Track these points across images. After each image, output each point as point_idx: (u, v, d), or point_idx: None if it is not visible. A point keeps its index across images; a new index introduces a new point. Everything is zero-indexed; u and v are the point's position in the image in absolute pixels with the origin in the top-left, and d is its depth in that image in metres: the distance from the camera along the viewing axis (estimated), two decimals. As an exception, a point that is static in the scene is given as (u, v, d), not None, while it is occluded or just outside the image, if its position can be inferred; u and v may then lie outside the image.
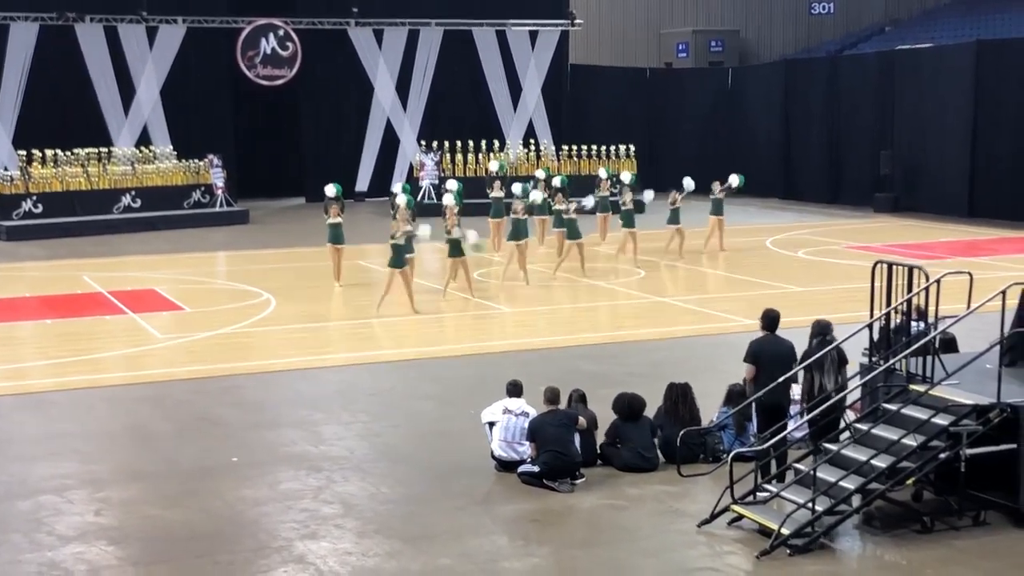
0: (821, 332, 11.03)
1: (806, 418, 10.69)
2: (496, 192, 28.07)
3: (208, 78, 39.46)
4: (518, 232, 23.01)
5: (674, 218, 26.10)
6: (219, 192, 35.19)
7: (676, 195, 26.28)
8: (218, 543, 9.85)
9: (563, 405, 11.66)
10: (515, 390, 11.79)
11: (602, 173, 29.94)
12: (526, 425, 11.35)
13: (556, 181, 27.94)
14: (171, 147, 36.48)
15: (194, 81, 39.11)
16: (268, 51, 39.89)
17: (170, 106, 38.45)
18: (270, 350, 17.43)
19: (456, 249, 21.14)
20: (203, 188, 35.07)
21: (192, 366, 16.30)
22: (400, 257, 20.05)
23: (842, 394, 10.72)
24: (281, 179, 42.50)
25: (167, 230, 32.94)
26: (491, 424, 11.70)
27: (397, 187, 27.32)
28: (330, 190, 23.88)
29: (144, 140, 37.36)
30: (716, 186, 27.39)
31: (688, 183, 27.27)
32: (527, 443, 11.30)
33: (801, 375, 11.07)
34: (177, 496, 10.95)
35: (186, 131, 38.10)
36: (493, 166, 31.34)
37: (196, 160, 35.26)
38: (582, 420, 11.47)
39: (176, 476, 11.55)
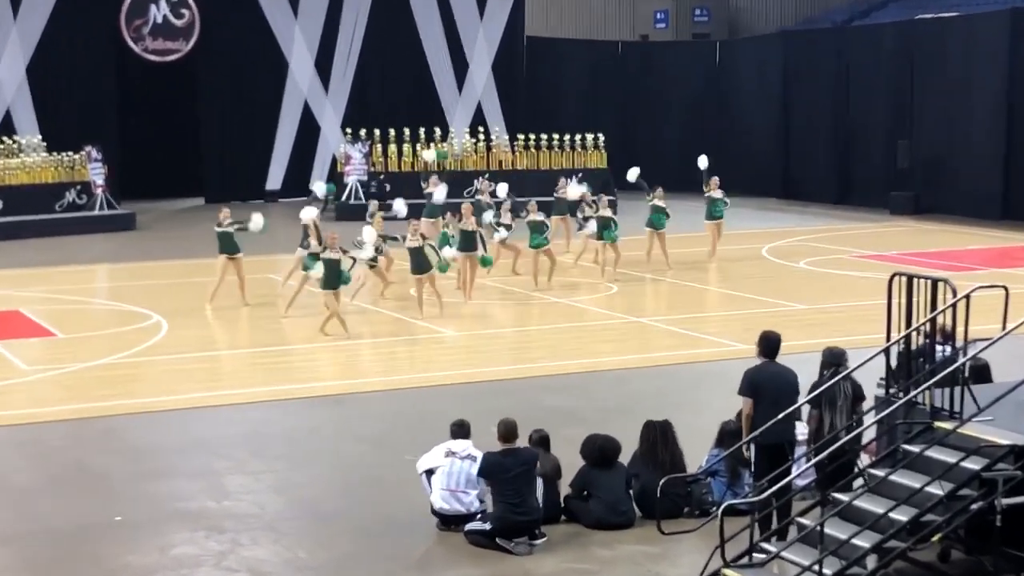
0: (834, 362, 11.07)
1: (812, 462, 10.75)
2: (433, 187, 27.99)
3: (85, 53, 39.15)
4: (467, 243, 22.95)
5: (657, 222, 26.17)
6: (99, 192, 34.93)
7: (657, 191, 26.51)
8: (98, 621, 9.77)
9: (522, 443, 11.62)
10: (461, 431, 11.75)
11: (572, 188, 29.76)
12: (473, 471, 11.33)
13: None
14: (39, 137, 36.18)
15: (68, 57, 38.80)
16: (159, 20, 39.69)
17: (39, 87, 38.14)
18: (161, 384, 17.31)
19: (421, 264, 21.18)
20: (79, 187, 34.78)
21: (66, 404, 16.14)
22: (335, 277, 19.91)
23: (854, 433, 10.79)
24: (175, 176, 42.23)
25: (35, 238, 32.63)
26: (429, 472, 11.65)
27: (318, 186, 27.21)
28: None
29: (7, 128, 37.02)
30: (714, 182, 27.48)
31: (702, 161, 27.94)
32: (474, 492, 11.28)
33: (806, 412, 11.13)
34: (48, 563, 10.84)
35: (58, 118, 37.76)
36: (428, 155, 31.21)
37: (71, 153, 34.96)
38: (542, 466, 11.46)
39: (47, 538, 11.42)
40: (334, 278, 19.82)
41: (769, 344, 11.16)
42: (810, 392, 11.05)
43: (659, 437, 12.03)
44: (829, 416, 10.89)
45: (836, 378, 10.85)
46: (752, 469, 11.42)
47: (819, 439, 10.88)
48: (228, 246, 22.67)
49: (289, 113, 41.78)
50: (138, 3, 39.23)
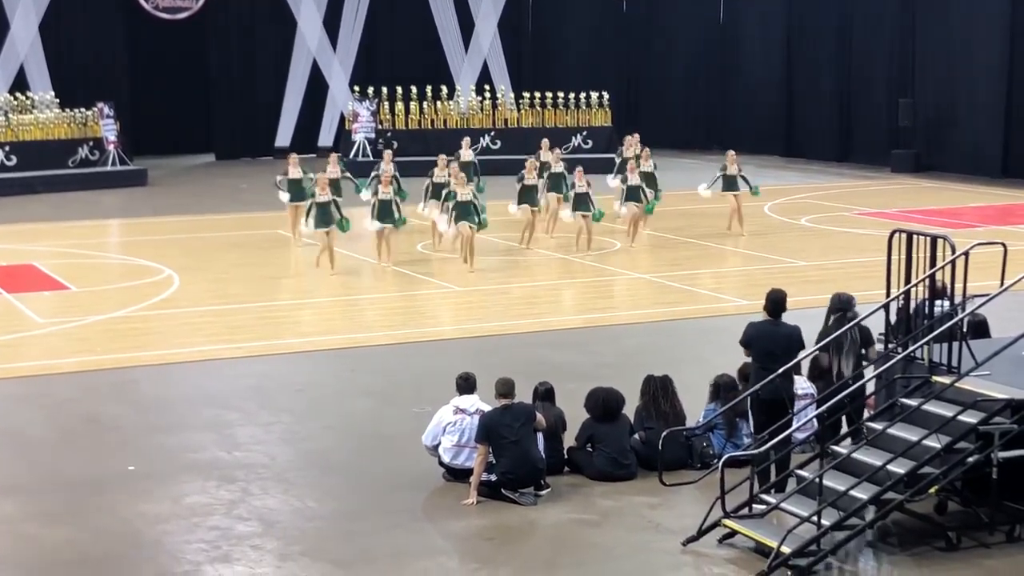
0: (841, 308, 11.03)
1: (812, 414, 10.76)
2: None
3: (97, 10, 39.04)
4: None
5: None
6: (111, 148, 34.89)
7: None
8: (111, 568, 9.82)
9: (520, 399, 11.61)
10: (467, 385, 11.72)
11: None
12: (484, 425, 11.33)
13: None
14: (52, 93, 36.11)
15: (80, 14, 38.68)
16: (169, -22, 39.55)
17: (51, 44, 38.05)
18: (173, 337, 17.34)
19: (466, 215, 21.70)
20: (91, 143, 34.73)
21: (79, 357, 16.20)
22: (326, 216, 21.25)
23: (855, 387, 10.79)
24: (186, 132, 42.19)
25: (48, 193, 32.63)
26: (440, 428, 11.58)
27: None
28: None
29: (20, 85, 36.95)
30: (730, 156, 26.27)
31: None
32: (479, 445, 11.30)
33: (805, 366, 11.13)
34: (62, 513, 10.89)
35: (71, 74, 37.69)
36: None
37: (83, 109, 34.91)
38: (540, 418, 11.45)
39: (61, 489, 11.48)
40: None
41: (773, 303, 11.10)
42: (818, 339, 11.03)
43: (659, 390, 12.05)
44: (836, 362, 10.89)
45: (847, 327, 10.80)
46: (751, 423, 11.46)
47: (827, 385, 10.89)
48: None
49: (298, 71, 41.67)
50: (148, -39, 39.10)
